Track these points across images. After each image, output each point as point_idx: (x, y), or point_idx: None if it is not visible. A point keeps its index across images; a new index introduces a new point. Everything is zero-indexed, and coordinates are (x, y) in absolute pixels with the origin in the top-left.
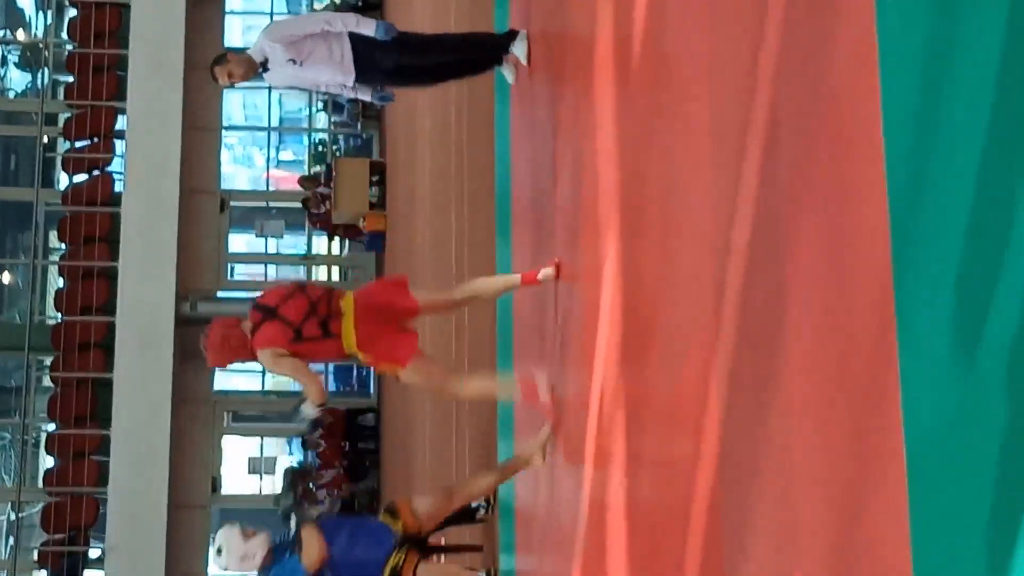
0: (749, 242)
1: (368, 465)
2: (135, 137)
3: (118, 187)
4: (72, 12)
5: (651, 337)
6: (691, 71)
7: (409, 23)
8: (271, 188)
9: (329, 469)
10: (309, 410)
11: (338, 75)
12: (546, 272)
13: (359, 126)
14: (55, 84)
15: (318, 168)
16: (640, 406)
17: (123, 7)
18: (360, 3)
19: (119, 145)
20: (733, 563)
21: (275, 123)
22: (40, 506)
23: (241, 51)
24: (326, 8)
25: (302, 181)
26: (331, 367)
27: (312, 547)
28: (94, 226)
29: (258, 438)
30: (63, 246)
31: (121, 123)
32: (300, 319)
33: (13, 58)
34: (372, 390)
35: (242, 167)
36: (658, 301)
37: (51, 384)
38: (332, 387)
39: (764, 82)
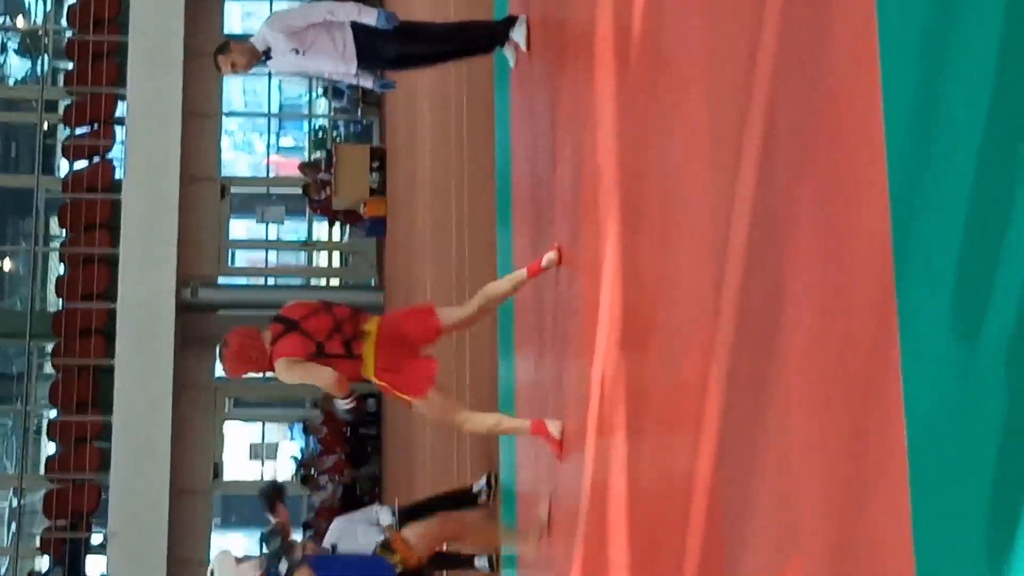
0: (748, 241)
1: (369, 451)
2: (135, 124)
3: (118, 174)
4: None
5: (650, 336)
6: (689, 62)
7: (409, 11)
8: (271, 174)
9: (331, 455)
10: (342, 404)
11: (340, 64)
12: (549, 257)
13: (359, 112)
14: (55, 71)
15: (318, 154)
16: (640, 405)
17: None
18: None
19: (119, 132)
20: (733, 563)
21: (275, 109)
22: (42, 492)
23: (244, 39)
24: None
25: (302, 167)
26: None
27: None
28: (95, 213)
29: (259, 424)
30: (64, 233)
31: (121, 110)
32: (324, 335)
33: (13, 45)
34: None
35: (242, 153)
36: (657, 300)
37: (52, 371)
38: None
39: (763, 71)
